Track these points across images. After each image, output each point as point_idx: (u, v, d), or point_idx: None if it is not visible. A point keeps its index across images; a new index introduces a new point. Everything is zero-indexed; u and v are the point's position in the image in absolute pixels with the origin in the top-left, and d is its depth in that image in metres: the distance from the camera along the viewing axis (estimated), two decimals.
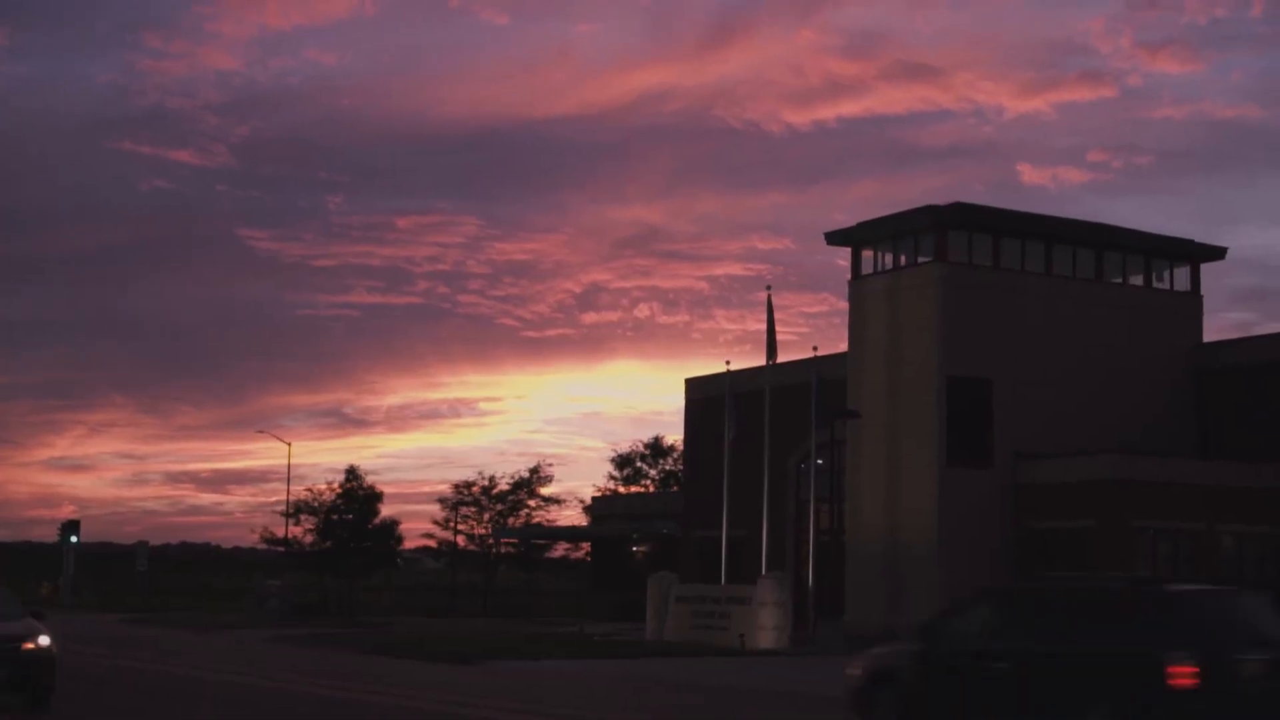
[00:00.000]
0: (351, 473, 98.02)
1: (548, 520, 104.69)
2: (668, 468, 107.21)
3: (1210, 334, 64.94)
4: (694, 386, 74.30)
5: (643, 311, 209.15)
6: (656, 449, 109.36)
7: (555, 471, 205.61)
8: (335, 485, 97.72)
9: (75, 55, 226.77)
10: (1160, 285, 63.90)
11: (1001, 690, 19.53)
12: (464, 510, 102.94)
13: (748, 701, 31.27)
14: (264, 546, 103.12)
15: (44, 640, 26.16)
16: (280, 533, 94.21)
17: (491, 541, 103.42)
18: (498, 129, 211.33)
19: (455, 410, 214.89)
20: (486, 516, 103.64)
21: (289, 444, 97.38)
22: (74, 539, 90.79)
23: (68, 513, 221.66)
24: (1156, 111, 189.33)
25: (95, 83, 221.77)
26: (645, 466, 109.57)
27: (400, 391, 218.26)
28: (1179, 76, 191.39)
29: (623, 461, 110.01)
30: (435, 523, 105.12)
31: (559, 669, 39.88)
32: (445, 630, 62.26)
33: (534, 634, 58.08)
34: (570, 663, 41.98)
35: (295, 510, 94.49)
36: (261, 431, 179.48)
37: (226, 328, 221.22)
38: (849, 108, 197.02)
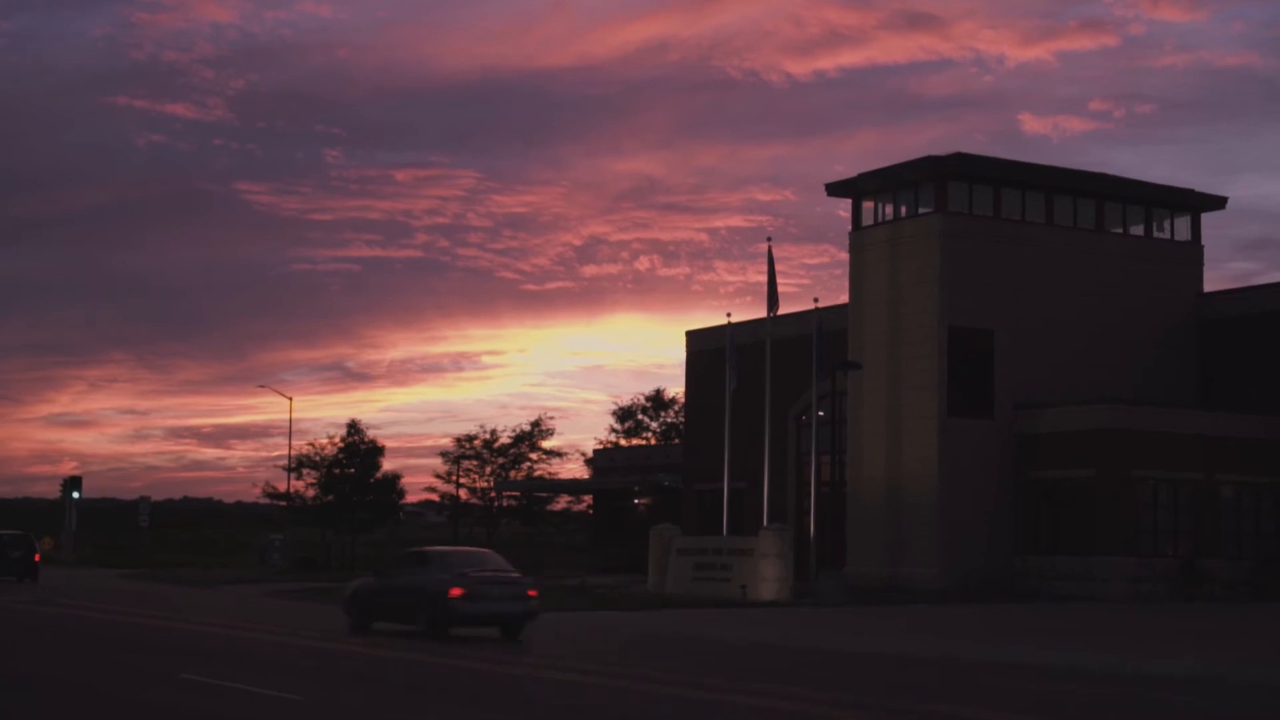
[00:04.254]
0: (353, 427, 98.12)
1: (549, 473, 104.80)
2: (669, 420, 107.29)
3: (1214, 284, 65.00)
4: (695, 339, 74.20)
5: (643, 264, 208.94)
6: (658, 401, 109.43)
7: (557, 425, 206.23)
8: (337, 439, 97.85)
9: (68, 9, 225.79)
10: (1161, 235, 63.75)
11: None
12: (466, 464, 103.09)
13: (748, 656, 31.31)
14: (266, 501, 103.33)
15: None
16: (282, 487, 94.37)
17: (493, 495, 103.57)
18: (495, 81, 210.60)
19: (457, 364, 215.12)
20: (488, 470, 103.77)
21: (290, 398, 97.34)
22: (75, 495, 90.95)
23: (69, 469, 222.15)
24: (1159, 60, 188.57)
25: (89, 36, 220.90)
26: (646, 419, 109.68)
27: (401, 345, 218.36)
28: (1181, 25, 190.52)
29: (624, 414, 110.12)
30: (437, 476, 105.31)
31: (559, 622, 39.91)
32: None
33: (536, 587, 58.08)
34: (572, 615, 42.02)
35: (297, 465, 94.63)
36: (263, 386, 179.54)
37: (225, 282, 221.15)
38: (849, 57, 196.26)
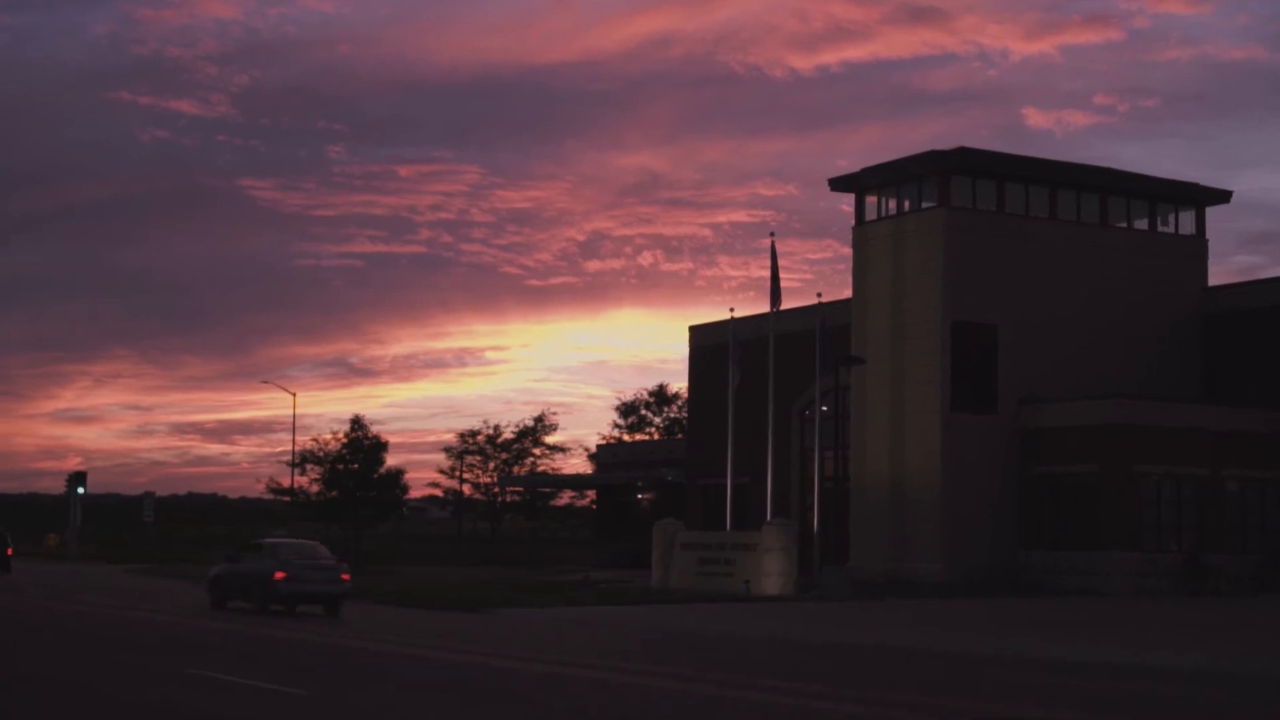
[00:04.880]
0: (356, 422, 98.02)
1: (553, 469, 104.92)
2: (672, 415, 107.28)
3: (1218, 278, 64.93)
4: (698, 334, 74.15)
5: (646, 259, 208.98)
6: (661, 397, 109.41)
7: (560, 420, 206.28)
8: (340, 435, 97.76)
9: (71, 5, 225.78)
10: (1165, 229, 63.65)
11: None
12: (470, 459, 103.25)
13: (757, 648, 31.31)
14: (270, 496, 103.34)
15: None
16: (286, 483, 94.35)
17: (497, 490, 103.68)
18: (499, 77, 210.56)
19: (460, 359, 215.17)
20: (492, 465, 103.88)
21: (294, 394, 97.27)
22: (80, 490, 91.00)
23: (74, 464, 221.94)
24: (1163, 54, 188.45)
25: (92, 32, 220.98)
26: (650, 414, 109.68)
27: (405, 341, 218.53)
28: (1186, 18, 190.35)
29: (627, 409, 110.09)
30: (441, 472, 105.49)
31: (562, 617, 39.96)
32: (451, 579, 62.33)
33: (540, 582, 58.18)
34: (576, 610, 42.04)
35: (301, 460, 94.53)
36: (266, 382, 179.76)
37: (229, 278, 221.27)
38: (853, 52, 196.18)
